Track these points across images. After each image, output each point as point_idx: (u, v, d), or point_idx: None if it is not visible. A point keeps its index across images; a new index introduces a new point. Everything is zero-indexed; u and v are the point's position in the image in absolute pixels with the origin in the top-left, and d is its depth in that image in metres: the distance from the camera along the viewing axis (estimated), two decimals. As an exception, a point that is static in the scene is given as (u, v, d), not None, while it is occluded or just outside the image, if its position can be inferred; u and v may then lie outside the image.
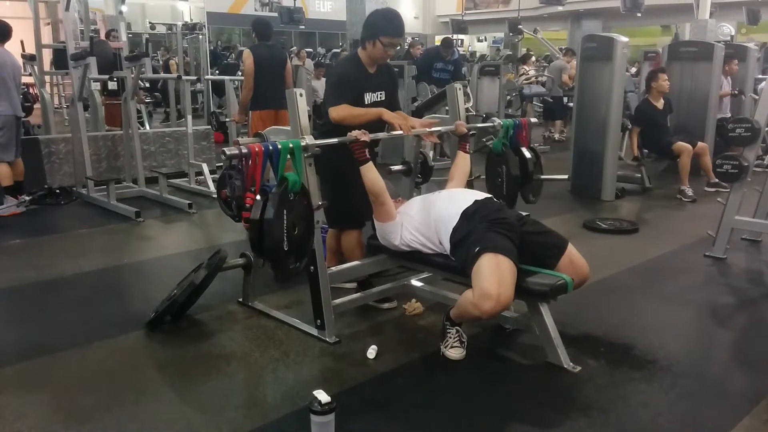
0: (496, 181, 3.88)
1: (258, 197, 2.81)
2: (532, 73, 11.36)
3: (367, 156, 3.16)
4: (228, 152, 2.77)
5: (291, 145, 2.92)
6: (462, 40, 22.91)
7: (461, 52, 14.32)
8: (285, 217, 2.77)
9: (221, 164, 6.91)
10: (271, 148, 2.85)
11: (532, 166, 3.86)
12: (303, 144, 2.96)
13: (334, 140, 3.14)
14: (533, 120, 4.09)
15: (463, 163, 3.61)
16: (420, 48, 12.07)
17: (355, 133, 3.12)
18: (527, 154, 3.87)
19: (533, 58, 12.62)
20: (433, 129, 3.71)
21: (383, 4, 9.87)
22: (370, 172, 3.16)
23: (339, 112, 3.33)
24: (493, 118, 3.95)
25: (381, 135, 3.41)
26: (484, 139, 7.08)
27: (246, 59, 5.94)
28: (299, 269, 2.96)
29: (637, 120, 6.73)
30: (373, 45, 3.39)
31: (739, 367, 3.02)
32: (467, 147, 3.66)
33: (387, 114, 3.35)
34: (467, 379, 2.83)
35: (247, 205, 2.83)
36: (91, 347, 3.12)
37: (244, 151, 2.78)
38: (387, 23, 3.40)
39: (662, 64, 7.72)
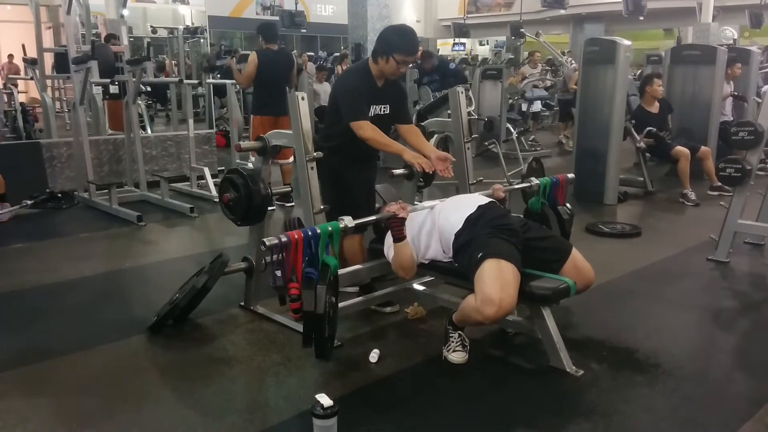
0: None
1: (307, 288, 2.69)
2: (536, 74, 11.38)
3: (404, 234, 3.06)
4: (268, 243, 2.68)
5: (330, 228, 2.84)
6: (464, 44, 22.94)
7: (463, 56, 14.33)
8: (328, 305, 2.69)
9: (223, 168, 6.93)
10: (310, 233, 2.76)
11: (570, 226, 3.74)
12: (342, 226, 2.89)
13: (372, 218, 3.07)
14: (570, 176, 3.88)
15: None
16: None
17: (393, 208, 3.05)
18: (565, 213, 3.72)
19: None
20: (471, 197, 3.58)
21: (385, 8, 9.85)
22: (405, 249, 3.06)
23: (366, 131, 3.30)
24: (531, 178, 3.77)
25: (419, 207, 3.30)
26: (486, 143, 7.09)
27: (250, 61, 5.95)
28: (332, 346, 2.89)
29: (636, 126, 6.71)
30: (386, 61, 3.36)
31: (742, 371, 3.01)
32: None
33: (407, 154, 3.35)
34: (470, 383, 2.83)
35: (293, 295, 2.72)
36: (93, 351, 3.12)
37: (284, 240, 2.70)
38: (402, 41, 3.36)
39: (665, 68, 7.73)
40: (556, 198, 3.76)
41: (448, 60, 9.43)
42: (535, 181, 3.73)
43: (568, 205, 3.81)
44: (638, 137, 6.61)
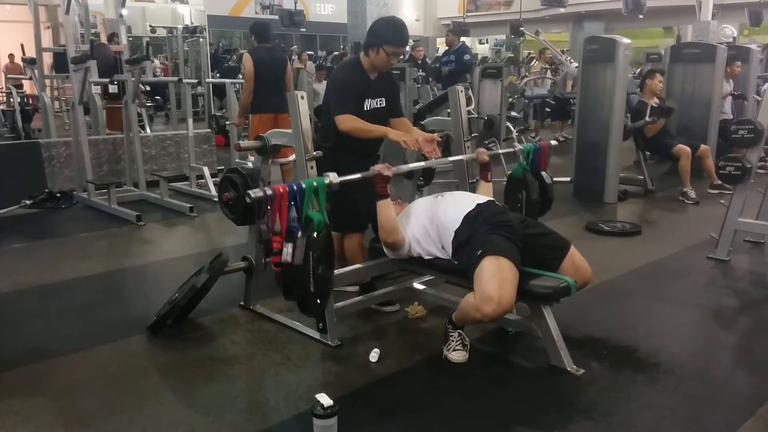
0: (515, 207, 3.75)
1: (288, 240, 2.73)
2: (535, 71, 11.40)
3: (387, 192, 3.12)
4: (253, 195, 2.73)
5: (315, 184, 2.87)
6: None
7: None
8: (311, 259, 2.73)
9: (222, 167, 6.92)
10: (295, 188, 2.81)
11: (552, 192, 3.77)
12: (327, 182, 2.91)
13: (357, 176, 3.08)
14: (554, 143, 3.98)
15: (485, 193, 3.51)
16: (421, 50, 12.09)
17: (377, 168, 3.09)
18: (547, 179, 3.77)
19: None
20: (454, 158, 3.66)
21: (384, 7, 9.86)
22: (387, 209, 3.11)
23: (347, 123, 3.32)
24: (515, 144, 3.85)
25: (404, 168, 3.37)
26: (486, 142, 7.07)
27: (245, 63, 5.97)
28: (324, 307, 2.92)
29: (634, 119, 6.68)
30: (376, 53, 3.38)
31: (743, 370, 3.01)
32: (489, 176, 3.58)
33: (392, 134, 3.35)
34: (470, 382, 2.82)
35: (275, 249, 2.77)
36: (92, 351, 3.11)
37: (269, 193, 2.74)
38: (392, 32, 3.38)
39: (664, 67, 7.72)
40: (539, 164, 3.81)
41: (466, 50, 9.56)
42: (518, 146, 3.79)
43: (548, 172, 3.85)
44: (647, 119, 6.53)
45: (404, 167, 3.35)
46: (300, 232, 2.73)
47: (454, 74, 9.06)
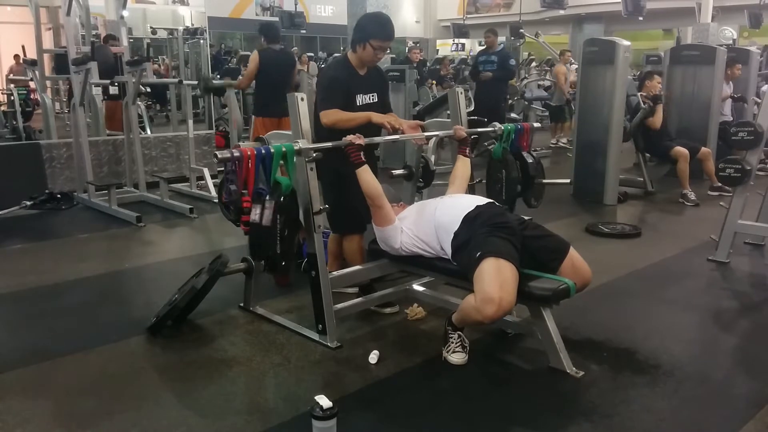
0: (495, 187, 3.86)
1: (256, 202, 2.83)
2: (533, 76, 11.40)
3: (362, 159, 3.17)
4: (220, 155, 2.78)
5: (284, 149, 2.91)
6: (463, 45, 22.96)
7: (462, 56, 14.32)
8: (279, 221, 2.80)
9: (222, 168, 6.93)
10: (263, 152, 2.85)
11: (533, 171, 3.83)
12: (297, 148, 2.95)
13: (329, 144, 3.14)
14: (536, 125, 4.04)
15: (463, 167, 3.60)
16: (418, 52, 12.05)
17: (349, 138, 3.14)
18: (528, 158, 3.83)
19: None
20: (432, 133, 3.71)
21: (384, 8, 9.86)
22: (365, 175, 3.17)
23: (329, 116, 3.35)
24: (494, 123, 3.93)
25: (378, 139, 3.43)
26: (486, 143, 7.09)
27: (251, 61, 5.96)
28: (288, 269, 3.05)
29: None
30: (363, 48, 3.41)
31: (743, 372, 3.00)
32: (467, 151, 3.65)
33: (375, 116, 3.36)
34: (469, 384, 2.82)
35: (245, 208, 2.85)
36: (92, 352, 3.11)
37: (237, 154, 2.79)
38: (378, 27, 3.42)
39: (664, 69, 7.72)
40: (520, 145, 3.86)
41: (510, 55, 9.37)
42: (498, 125, 3.85)
43: (532, 153, 3.91)
44: (644, 107, 6.56)
45: (377, 139, 3.45)
46: (268, 196, 2.84)
47: (498, 80, 8.67)
